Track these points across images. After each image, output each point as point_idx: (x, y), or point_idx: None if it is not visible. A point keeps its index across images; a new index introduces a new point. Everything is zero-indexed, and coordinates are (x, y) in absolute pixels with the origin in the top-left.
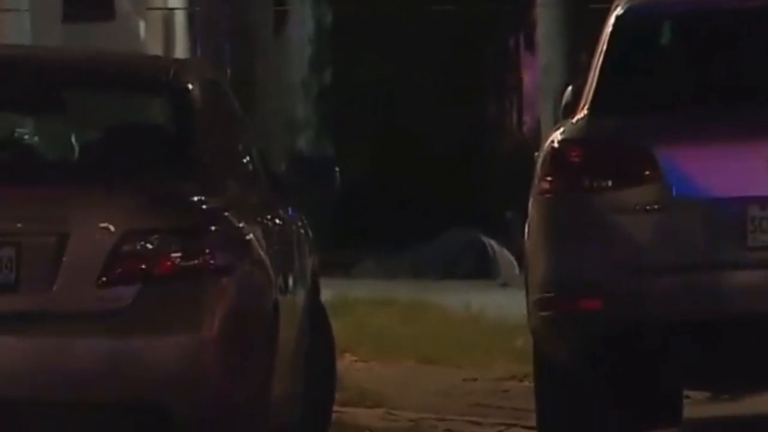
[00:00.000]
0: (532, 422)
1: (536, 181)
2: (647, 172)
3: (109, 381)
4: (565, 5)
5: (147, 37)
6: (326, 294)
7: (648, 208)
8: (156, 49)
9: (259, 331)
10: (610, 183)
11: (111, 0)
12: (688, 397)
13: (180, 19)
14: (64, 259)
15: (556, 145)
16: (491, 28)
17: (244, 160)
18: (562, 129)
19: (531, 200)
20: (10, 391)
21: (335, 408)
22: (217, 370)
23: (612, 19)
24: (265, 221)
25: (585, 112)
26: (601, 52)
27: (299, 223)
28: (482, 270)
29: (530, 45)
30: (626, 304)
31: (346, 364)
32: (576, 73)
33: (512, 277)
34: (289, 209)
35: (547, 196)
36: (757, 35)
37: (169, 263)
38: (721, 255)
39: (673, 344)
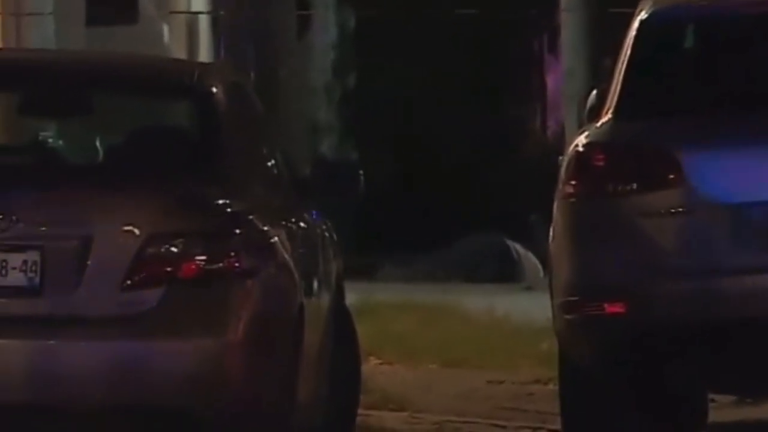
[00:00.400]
0: (557, 426)
1: (561, 184)
2: (672, 176)
3: (133, 385)
4: (589, 10)
5: (171, 40)
6: (350, 297)
7: (672, 211)
8: (180, 52)
9: (284, 335)
10: (634, 186)
11: (135, 3)
12: (713, 400)
13: (204, 22)
14: (88, 262)
15: (580, 148)
16: (515, 32)
17: (269, 164)
18: (586, 133)
19: (555, 204)
20: (35, 395)
21: (359, 411)
22: (241, 373)
23: (636, 23)
24: (289, 224)
25: (609, 115)
26: (625, 56)
27: (324, 227)
28: (506, 273)
29: (554, 49)
30: (650, 307)
31: (370, 367)
32: (599, 78)
33: (537, 281)
34: (314, 213)
35: (572, 199)
36: None
37: (193, 266)
38: (745, 259)
39: (697, 348)
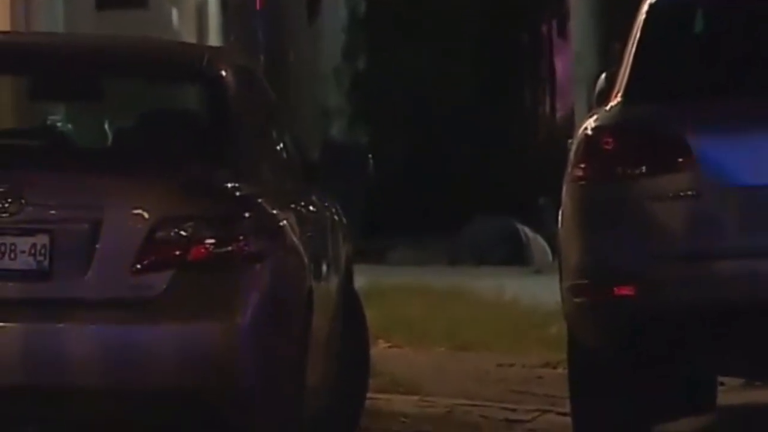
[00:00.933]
0: (566, 409)
1: (570, 168)
2: (681, 159)
3: (142, 368)
4: None
5: (180, 24)
6: (359, 281)
7: (682, 195)
8: (189, 36)
9: (293, 318)
10: (643, 170)
11: None
12: (722, 383)
13: (213, 6)
14: (97, 246)
15: (589, 132)
16: (525, 16)
17: (278, 147)
18: (595, 116)
19: (564, 187)
20: (44, 379)
21: (369, 395)
22: (250, 356)
23: (645, 7)
24: (299, 208)
25: (618, 99)
26: (634, 39)
27: (333, 210)
28: (516, 257)
29: (563, 32)
30: (660, 290)
31: (379, 350)
32: (608, 61)
33: (546, 264)
34: (323, 196)
35: (581, 183)
36: None
37: (202, 250)
38: (755, 242)
39: (706, 331)
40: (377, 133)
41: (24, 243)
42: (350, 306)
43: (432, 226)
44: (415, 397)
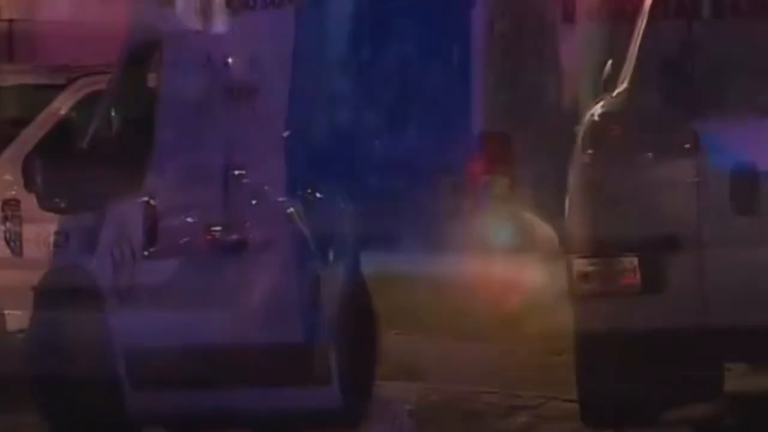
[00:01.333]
0: (572, 396)
1: (576, 154)
2: (687, 146)
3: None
4: None
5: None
6: (366, 268)
7: (688, 181)
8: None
9: (300, 306)
10: (650, 156)
11: None
12: (729, 369)
13: None
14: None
15: (596, 118)
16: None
17: (284, 134)
18: (602, 103)
19: (571, 173)
20: None
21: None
22: (257, 344)
23: None
24: (306, 195)
25: (625, 85)
26: (641, 25)
27: (340, 197)
28: (521, 243)
29: (570, 18)
30: (666, 276)
31: (385, 338)
32: (615, 48)
33: (552, 251)
34: (330, 182)
35: (588, 169)
36: None
37: (209, 237)
38: (762, 229)
39: (711, 317)
40: (382, 118)
41: None
42: (357, 293)
43: (438, 213)
44: (420, 384)
